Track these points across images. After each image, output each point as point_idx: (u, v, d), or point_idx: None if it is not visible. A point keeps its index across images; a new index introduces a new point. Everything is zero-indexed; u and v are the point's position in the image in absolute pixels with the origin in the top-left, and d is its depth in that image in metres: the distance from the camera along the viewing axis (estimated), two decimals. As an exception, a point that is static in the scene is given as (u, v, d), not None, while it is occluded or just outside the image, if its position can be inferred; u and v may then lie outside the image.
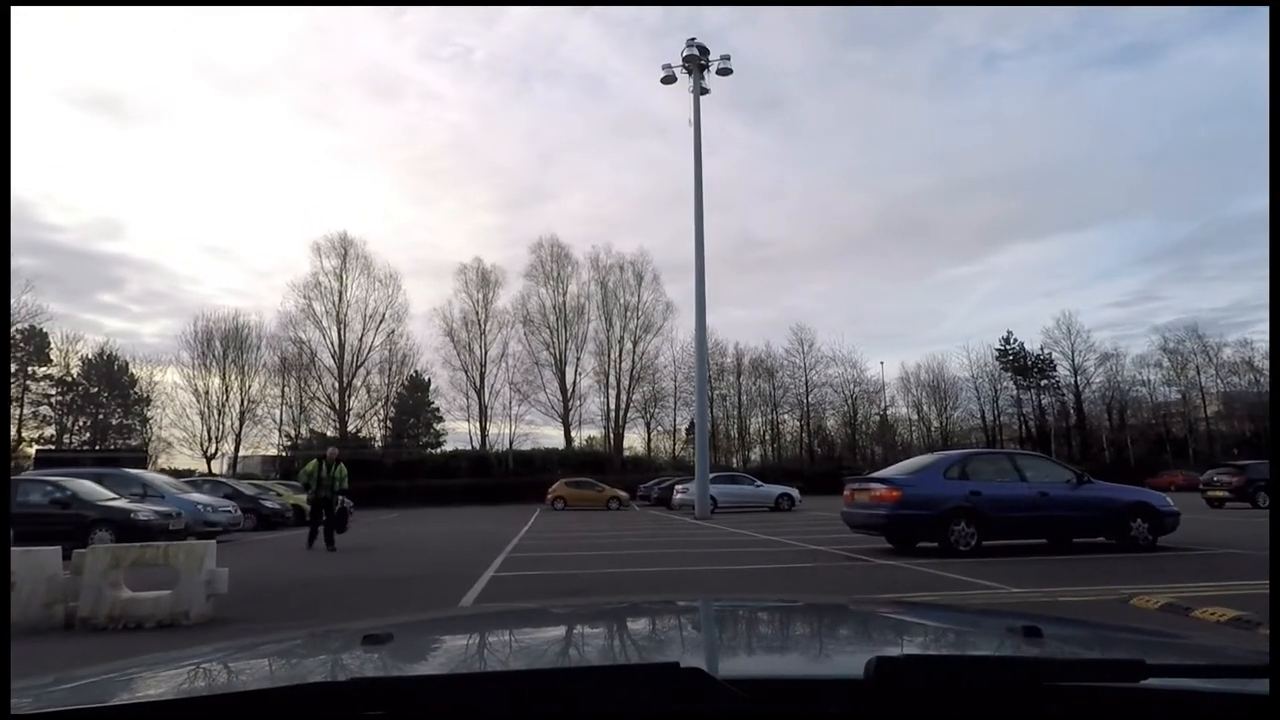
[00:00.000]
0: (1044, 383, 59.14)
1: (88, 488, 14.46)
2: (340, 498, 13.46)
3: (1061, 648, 1.19)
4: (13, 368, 47.40)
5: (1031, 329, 79.60)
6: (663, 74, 25.96)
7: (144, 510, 14.20)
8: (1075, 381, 58.01)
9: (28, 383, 48.01)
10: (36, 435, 47.93)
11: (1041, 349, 58.93)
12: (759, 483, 28.68)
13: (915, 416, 62.44)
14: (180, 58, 72.82)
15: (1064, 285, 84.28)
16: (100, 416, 50.28)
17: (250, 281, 75.31)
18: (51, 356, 49.08)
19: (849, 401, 59.75)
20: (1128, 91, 79.09)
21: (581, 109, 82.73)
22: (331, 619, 6.19)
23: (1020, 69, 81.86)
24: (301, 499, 25.30)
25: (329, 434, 50.77)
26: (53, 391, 49.12)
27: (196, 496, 17.62)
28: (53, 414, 49.29)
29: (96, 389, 50.23)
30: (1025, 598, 6.76)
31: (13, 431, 47.43)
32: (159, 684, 1.06)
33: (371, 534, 18.02)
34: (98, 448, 45.92)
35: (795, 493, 27.92)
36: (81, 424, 49.80)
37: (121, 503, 14.42)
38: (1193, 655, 1.16)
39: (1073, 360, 57.89)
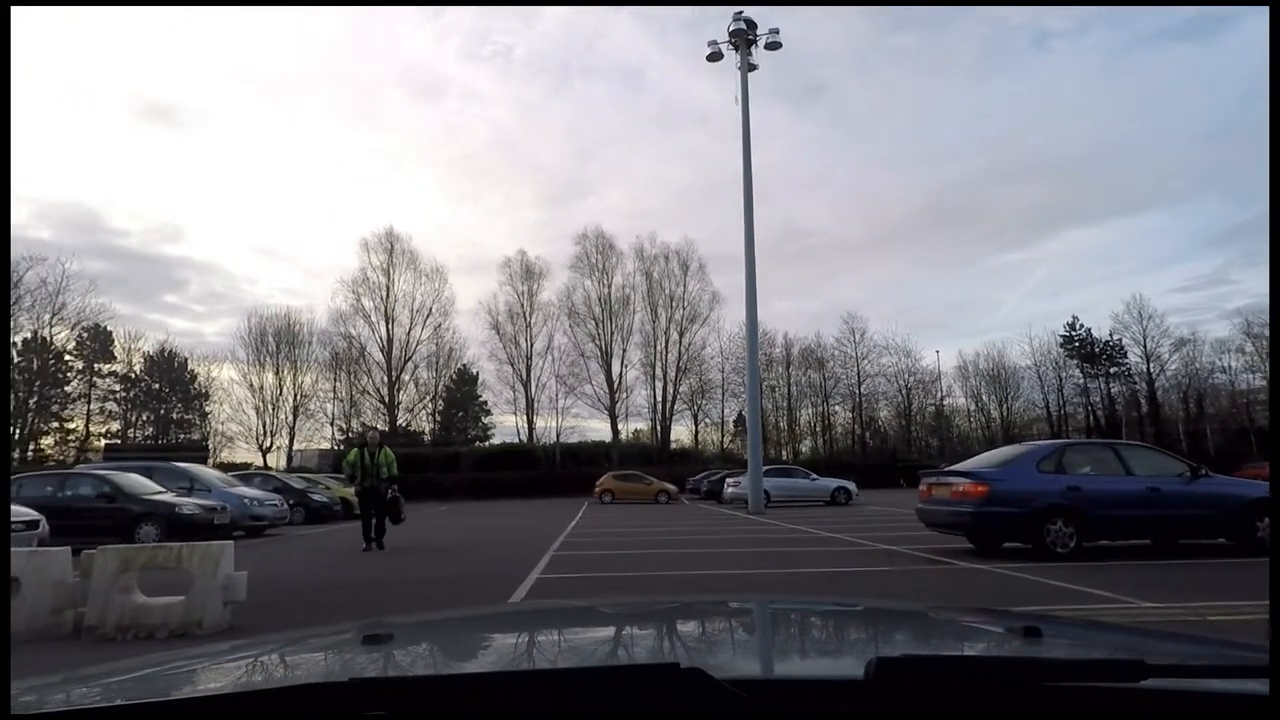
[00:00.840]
0: (1113, 370, 56.07)
1: (134, 481, 14.33)
2: (390, 487, 11.82)
3: (1061, 648, 1.18)
4: (79, 365, 49.18)
5: (1094, 315, 75.80)
6: (708, 51, 24.87)
7: (188, 504, 14.02)
8: (1148, 368, 54.76)
9: (94, 379, 49.75)
10: (103, 430, 49.68)
11: (1110, 335, 55.87)
12: (814, 476, 27.53)
13: (974, 407, 60.08)
14: (226, 64, 74.85)
15: (1123, 270, 79.49)
16: (162, 412, 51.82)
17: (304, 281, 77.28)
18: (115, 354, 50.74)
19: (903, 392, 57.74)
20: (1188, 67, 74.23)
21: (620, 103, 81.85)
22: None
23: (1072, 48, 77.58)
24: (350, 491, 25.23)
25: (379, 427, 51.34)
26: (117, 387, 50.77)
27: (244, 490, 17.48)
28: (118, 409, 50.95)
29: (158, 385, 51.75)
30: (1163, 614, 5.70)
31: (80, 426, 49.25)
32: (159, 684, 1.04)
33: (418, 528, 17.62)
34: (161, 441, 47.34)
35: (852, 486, 26.75)
36: (145, 418, 51.38)
37: (167, 497, 14.25)
38: (1193, 655, 1.14)
39: (1145, 346, 54.64)
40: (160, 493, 14.41)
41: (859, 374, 56.72)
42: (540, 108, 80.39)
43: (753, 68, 24.69)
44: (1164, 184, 73.62)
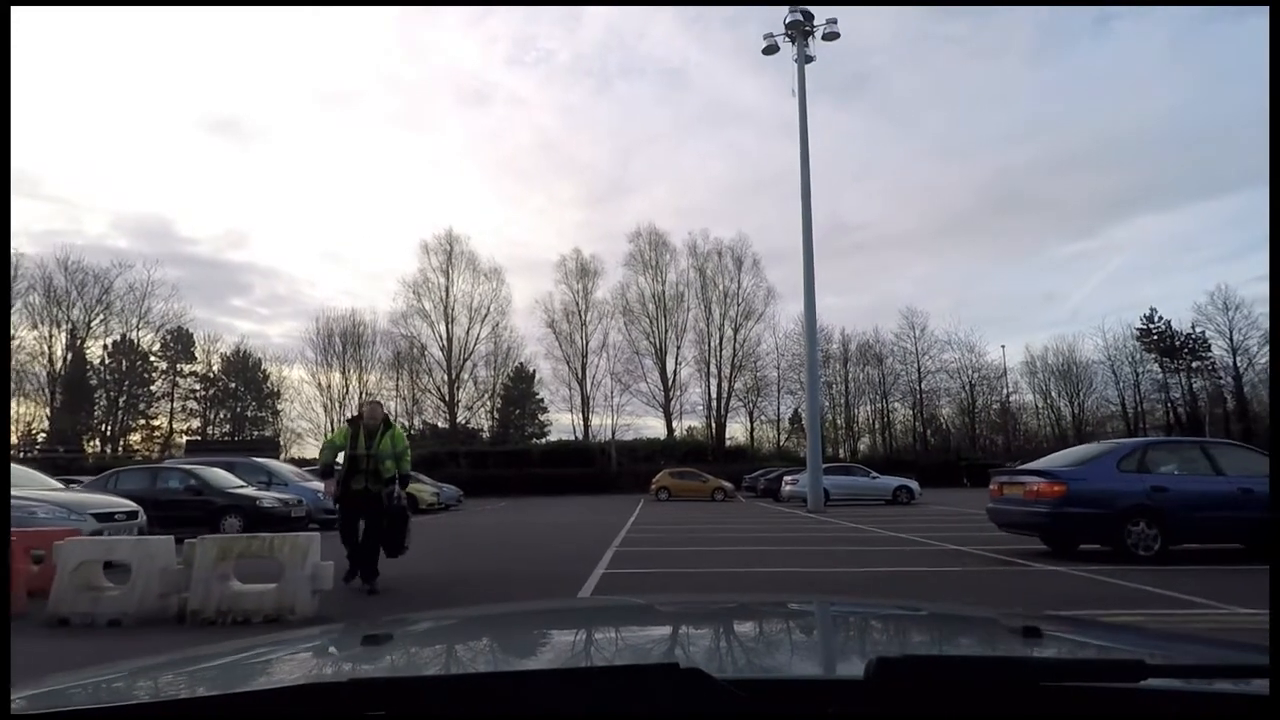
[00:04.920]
0: (1195, 364, 53.21)
1: (219, 476, 15.11)
2: (395, 489, 7.31)
3: (1061, 648, 1.19)
4: (163, 365, 52.02)
5: (1174, 306, 71.88)
6: (764, 44, 24.68)
7: (268, 498, 14.70)
8: (1234, 362, 51.79)
9: (176, 379, 52.59)
10: (185, 426, 52.52)
11: (1193, 327, 53.05)
12: (874, 474, 27.00)
13: (1042, 404, 57.90)
14: (288, 78, 77.70)
15: (1206, 258, 75.26)
16: (238, 409, 54.36)
17: (363, 283, 79.92)
18: (196, 355, 53.51)
19: (966, 389, 56.06)
20: (1264, 37, 69.38)
21: (663, 102, 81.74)
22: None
23: (1137, 27, 73.86)
24: (425, 488, 23.85)
25: (440, 425, 52.72)
26: (198, 387, 53.52)
27: (316, 485, 18.18)
28: (198, 407, 53.72)
29: (234, 384, 54.32)
30: (1258, 621, 5.43)
31: (165, 423, 52.05)
32: (160, 684, 1.05)
33: (478, 523, 18.06)
34: (236, 438, 49.65)
35: (914, 485, 26.16)
36: (222, 416, 54.03)
37: (249, 491, 14.98)
38: (1193, 655, 1.14)
39: (1231, 339, 51.69)
40: (242, 487, 15.16)
41: (919, 370, 55.46)
42: (583, 110, 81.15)
43: (809, 59, 24.38)
44: (1249, 164, 69.42)
